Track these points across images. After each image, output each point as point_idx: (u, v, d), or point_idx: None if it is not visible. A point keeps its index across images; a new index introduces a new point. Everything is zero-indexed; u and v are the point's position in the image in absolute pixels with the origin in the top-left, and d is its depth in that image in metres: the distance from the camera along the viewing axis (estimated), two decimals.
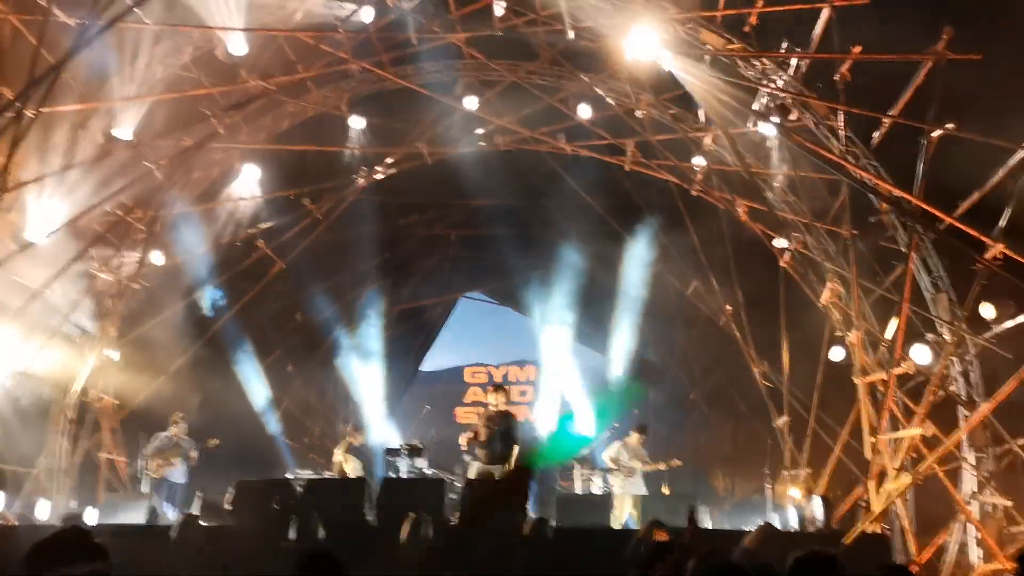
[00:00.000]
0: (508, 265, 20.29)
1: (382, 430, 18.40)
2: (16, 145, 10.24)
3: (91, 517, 10.89)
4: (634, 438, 13.19)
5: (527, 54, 14.10)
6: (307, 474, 13.45)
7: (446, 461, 14.32)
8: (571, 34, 12.12)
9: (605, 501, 11.85)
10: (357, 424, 14.60)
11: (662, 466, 13.04)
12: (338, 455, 13.39)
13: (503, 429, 11.12)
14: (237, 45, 11.69)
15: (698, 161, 14.11)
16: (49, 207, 11.85)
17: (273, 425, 17.35)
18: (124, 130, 11.85)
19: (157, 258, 13.89)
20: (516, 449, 11.15)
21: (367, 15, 12.23)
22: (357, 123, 14.73)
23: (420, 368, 24.10)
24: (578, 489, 13.46)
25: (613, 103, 14.11)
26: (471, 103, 14.29)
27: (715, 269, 15.48)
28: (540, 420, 19.20)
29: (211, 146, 13.53)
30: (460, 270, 22.04)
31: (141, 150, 12.24)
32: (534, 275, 20.20)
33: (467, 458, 11.54)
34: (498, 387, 11.90)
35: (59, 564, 2.76)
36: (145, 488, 12.38)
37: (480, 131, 15.44)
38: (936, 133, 10.05)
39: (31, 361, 12.30)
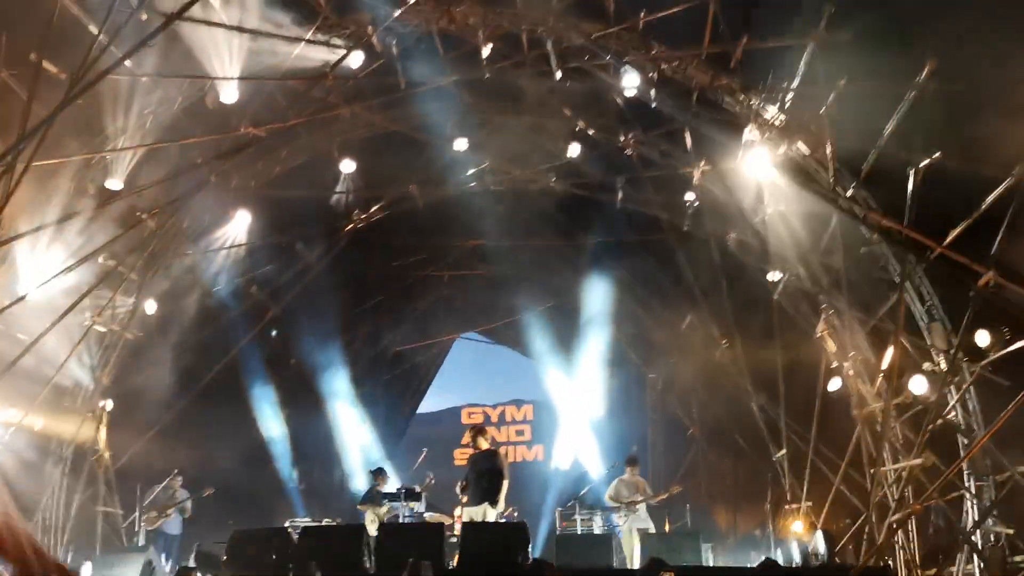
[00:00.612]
0: (502, 305, 20.32)
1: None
2: (7, 198, 10.25)
3: (87, 572, 10.74)
4: (628, 472, 13.20)
5: (516, 94, 14.22)
6: (304, 521, 13.33)
7: (444, 504, 14.22)
8: (558, 75, 12.24)
9: (606, 540, 11.75)
10: (383, 471, 14.52)
11: (664, 495, 13.02)
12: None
13: (487, 468, 11.29)
14: (228, 93, 11.76)
15: (688, 196, 14.18)
16: (41, 259, 11.85)
17: (269, 471, 17.24)
18: (115, 180, 11.87)
19: (150, 307, 13.85)
20: (505, 484, 11.40)
21: (356, 60, 12.32)
22: (348, 167, 14.77)
23: (417, 410, 24.01)
24: (578, 528, 13.36)
25: (602, 140, 14.20)
26: (461, 144, 14.36)
27: (709, 303, 15.50)
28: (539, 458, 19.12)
29: (202, 194, 13.55)
30: (454, 310, 22.03)
31: (132, 199, 12.25)
32: (528, 314, 20.23)
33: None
34: (477, 429, 12.12)
35: None
36: (141, 541, 12.25)
37: (471, 171, 15.51)
38: (923, 163, 10.09)
39: (26, 414, 12.21)
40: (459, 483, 11.66)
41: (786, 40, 10.99)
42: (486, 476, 11.38)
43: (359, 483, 20.05)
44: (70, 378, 13.43)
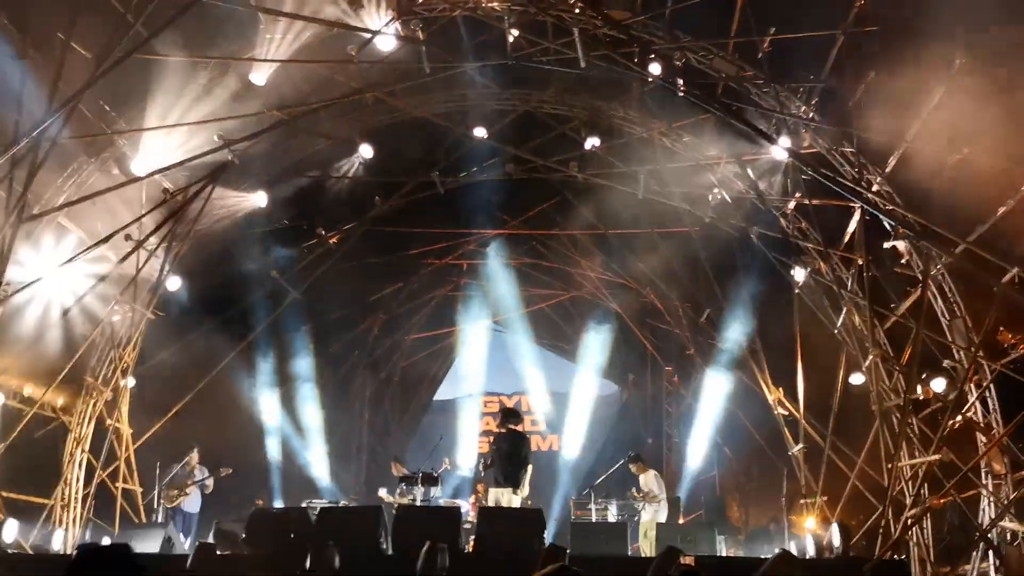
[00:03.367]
0: (521, 294, 20.34)
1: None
2: (33, 175, 10.35)
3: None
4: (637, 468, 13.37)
5: (539, 82, 14.20)
6: (322, 502, 13.41)
7: (460, 490, 14.29)
8: (583, 63, 12.21)
9: (620, 529, 11.76)
10: (399, 457, 14.59)
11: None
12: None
13: (513, 451, 11.32)
14: (257, 76, 11.84)
15: (711, 188, 14.14)
16: (65, 236, 11.98)
17: (286, 453, 17.37)
18: (140, 160, 11.95)
19: (173, 288, 13.94)
20: (529, 469, 11.49)
21: (381, 45, 12.33)
22: (369, 153, 14.77)
23: (434, 397, 24.07)
24: (593, 517, 13.39)
25: (625, 130, 14.19)
26: (482, 132, 14.35)
27: (728, 295, 15.46)
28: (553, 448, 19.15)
29: (225, 175, 13.61)
30: (473, 299, 22.03)
31: (157, 179, 12.32)
32: (548, 304, 20.26)
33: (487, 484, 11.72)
34: (509, 411, 12.19)
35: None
36: (160, 518, 12.36)
37: (492, 160, 15.51)
38: (951, 160, 10.03)
39: (47, 390, 12.35)
40: (482, 461, 11.75)
41: (814, 32, 10.93)
42: (511, 459, 11.42)
43: (374, 467, 20.18)
44: (92, 356, 13.57)
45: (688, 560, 6.57)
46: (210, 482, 12.69)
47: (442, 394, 24.17)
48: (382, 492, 13.45)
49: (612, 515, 13.30)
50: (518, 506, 11.35)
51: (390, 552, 9.63)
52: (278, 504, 16.15)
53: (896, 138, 10.89)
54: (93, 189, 11.96)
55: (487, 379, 22.73)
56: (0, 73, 10.10)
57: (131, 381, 13.96)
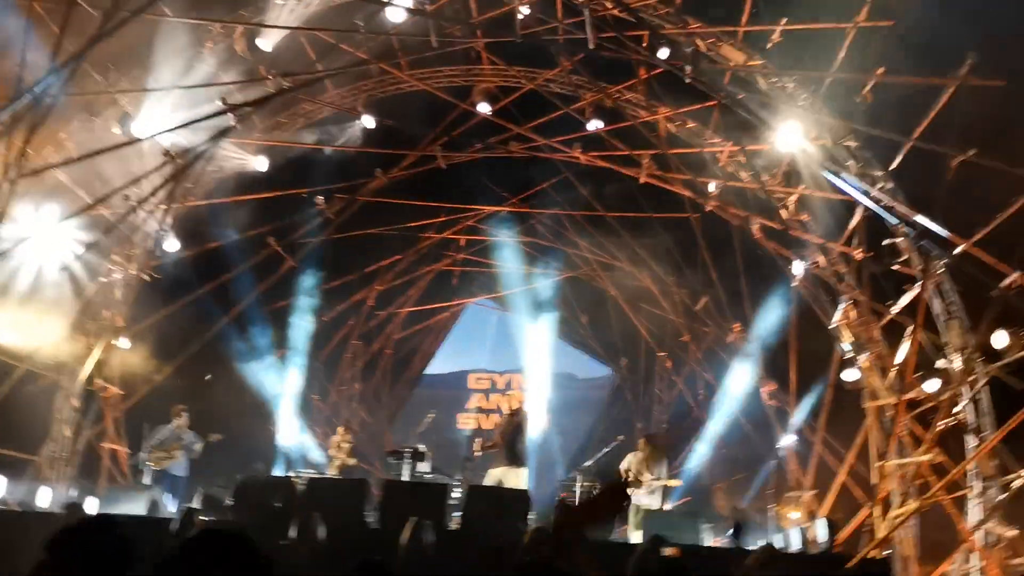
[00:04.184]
0: (517, 271, 20.30)
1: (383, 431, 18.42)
2: (34, 132, 10.25)
3: (91, 507, 10.85)
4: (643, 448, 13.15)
5: (546, 61, 14.10)
6: (309, 473, 13.42)
7: (447, 466, 14.29)
8: (592, 44, 12.10)
9: None
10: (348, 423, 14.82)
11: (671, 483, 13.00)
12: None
13: (518, 432, 11.46)
14: (264, 42, 11.73)
15: (713, 177, 14.08)
16: (64, 194, 11.88)
17: (276, 421, 17.35)
18: (141, 121, 11.84)
19: (169, 250, 13.87)
20: (525, 448, 11.65)
21: (389, 17, 12.21)
22: (371, 124, 14.66)
23: (426, 371, 24.09)
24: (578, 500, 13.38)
25: (630, 114, 14.10)
26: (486, 108, 14.26)
27: (725, 285, 15.44)
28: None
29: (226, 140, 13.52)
30: (469, 275, 22.00)
31: (156, 141, 12.22)
32: (543, 283, 20.20)
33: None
34: (511, 397, 12.31)
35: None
36: (146, 480, 12.34)
37: (494, 138, 15.44)
38: (957, 160, 9.96)
39: (39, 347, 12.30)
40: (481, 441, 11.84)
41: (826, 24, 10.84)
42: (519, 439, 11.55)
43: (364, 439, 20.18)
44: (86, 315, 13.51)
45: (673, 551, 6.55)
46: (198, 446, 12.62)
47: (434, 369, 24.21)
48: None
49: None
50: (525, 482, 11.47)
51: (375, 526, 9.63)
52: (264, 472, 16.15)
53: (902, 135, 10.81)
54: (93, 148, 11.85)
55: (479, 356, 22.76)
56: (2, 27, 9.97)
57: (123, 342, 13.90)
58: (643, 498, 12.58)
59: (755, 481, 15.13)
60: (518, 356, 22.00)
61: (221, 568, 2.37)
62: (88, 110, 12.23)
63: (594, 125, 14.05)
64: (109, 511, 10.56)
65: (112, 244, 13.07)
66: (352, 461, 14.15)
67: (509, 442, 11.54)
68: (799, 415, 13.60)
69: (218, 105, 12.15)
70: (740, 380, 15.56)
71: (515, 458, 11.44)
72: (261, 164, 14.33)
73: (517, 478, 11.37)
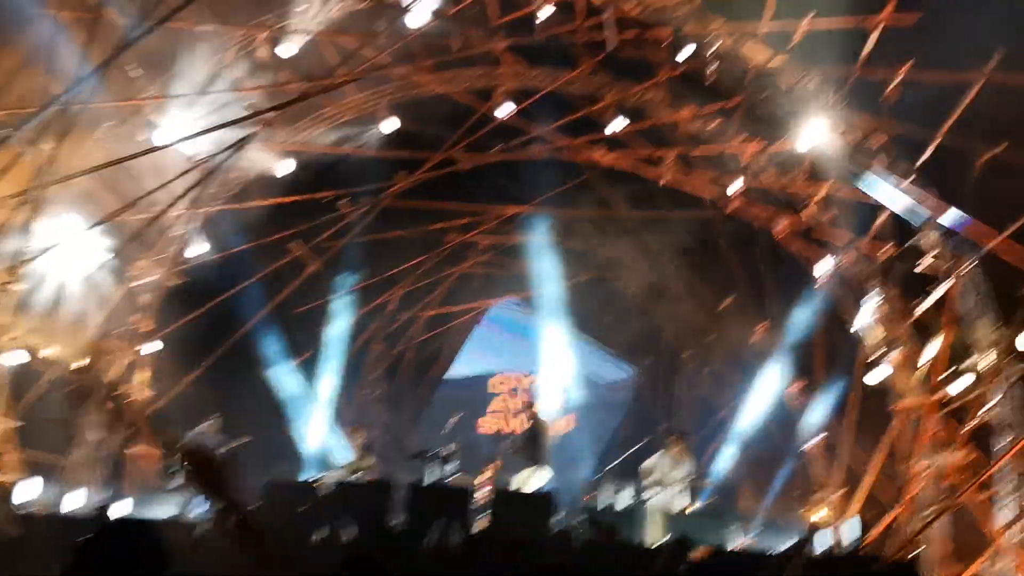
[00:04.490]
0: (541, 275, 20.24)
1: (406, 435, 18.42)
2: (60, 141, 10.35)
3: (122, 510, 10.95)
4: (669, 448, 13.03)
5: (567, 62, 14.07)
6: (335, 476, 13.45)
7: (471, 468, 14.27)
8: (611, 45, 12.09)
9: (630, 516, 11.68)
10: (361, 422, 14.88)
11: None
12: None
13: (540, 435, 11.53)
14: (285, 48, 11.81)
15: (737, 175, 14.00)
16: (91, 201, 11.98)
17: (302, 424, 17.44)
18: (166, 128, 11.93)
19: (195, 255, 13.99)
20: (545, 450, 11.85)
21: (409, 20, 12.24)
22: (393, 126, 14.71)
23: (449, 374, 24.08)
24: (602, 503, 13.29)
25: (651, 114, 14.06)
26: (507, 110, 14.26)
27: (750, 285, 15.35)
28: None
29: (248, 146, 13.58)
30: (492, 277, 21.98)
31: (182, 147, 12.30)
32: (566, 285, 20.14)
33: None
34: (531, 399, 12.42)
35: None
36: (176, 483, 12.42)
37: (515, 140, 15.43)
38: (986, 155, 9.85)
39: (67, 352, 12.43)
40: (505, 444, 11.96)
41: (850, 21, 10.76)
42: (541, 442, 11.63)
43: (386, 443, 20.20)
44: (114, 320, 13.64)
45: (699, 554, 6.52)
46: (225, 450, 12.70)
47: (456, 371, 24.19)
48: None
49: (622, 501, 13.18)
50: (548, 484, 11.56)
51: (401, 529, 9.65)
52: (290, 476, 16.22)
53: (930, 130, 10.70)
54: (120, 155, 11.94)
55: (502, 358, 22.72)
56: (32, 34, 10.09)
57: (151, 346, 14.02)
58: (670, 498, 12.50)
59: (780, 481, 15.02)
60: (540, 358, 21.97)
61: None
62: (114, 117, 12.33)
63: (616, 125, 14.02)
64: (140, 514, 10.68)
65: (139, 250, 13.17)
66: (371, 463, 14.13)
67: (532, 445, 11.57)
68: (825, 414, 13.47)
69: (242, 111, 12.22)
70: (765, 380, 15.45)
71: (538, 460, 11.46)
72: (285, 168, 14.40)
73: (540, 480, 11.39)
